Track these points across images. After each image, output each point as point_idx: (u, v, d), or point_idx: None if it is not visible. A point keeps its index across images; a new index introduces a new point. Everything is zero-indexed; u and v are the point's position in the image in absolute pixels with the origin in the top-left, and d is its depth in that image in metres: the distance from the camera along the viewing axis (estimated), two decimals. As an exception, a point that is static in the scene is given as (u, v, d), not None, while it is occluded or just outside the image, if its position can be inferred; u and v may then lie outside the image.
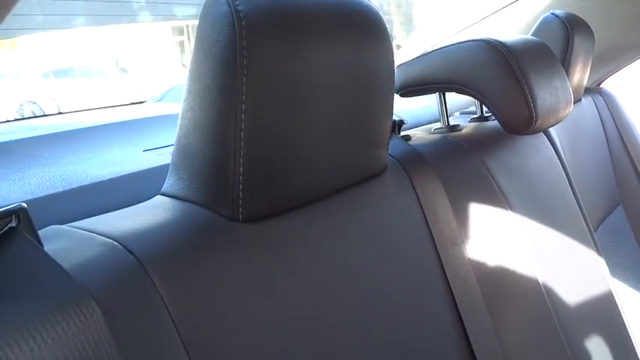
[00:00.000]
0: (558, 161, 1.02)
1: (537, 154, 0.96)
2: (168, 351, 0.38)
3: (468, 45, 0.79)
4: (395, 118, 0.75)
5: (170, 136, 0.75)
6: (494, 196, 0.78)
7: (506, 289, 0.74)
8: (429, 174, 0.70)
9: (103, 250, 0.40)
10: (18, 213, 0.37)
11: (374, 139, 0.57)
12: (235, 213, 0.46)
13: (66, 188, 0.56)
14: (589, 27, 1.23)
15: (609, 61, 1.52)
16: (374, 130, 0.56)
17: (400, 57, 0.87)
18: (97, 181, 0.58)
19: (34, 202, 0.52)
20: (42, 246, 0.37)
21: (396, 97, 0.72)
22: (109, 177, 0.59)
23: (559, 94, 0.80)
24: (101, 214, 0.49)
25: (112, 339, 0.33)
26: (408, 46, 1.44)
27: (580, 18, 1.21)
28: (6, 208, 0.36)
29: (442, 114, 0.88)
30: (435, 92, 0.86)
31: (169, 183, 0.50)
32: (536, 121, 0.75)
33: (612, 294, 0.99)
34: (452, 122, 0.90)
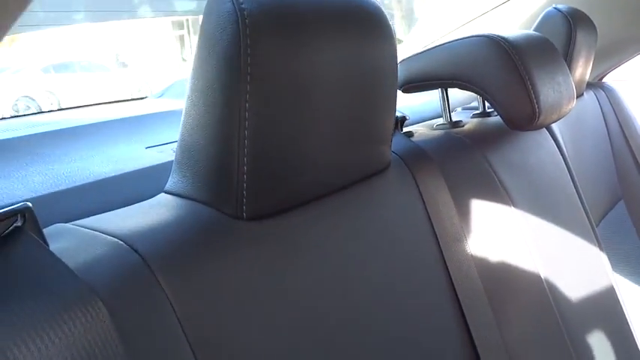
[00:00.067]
0: (560, 156, 1.02)
1: (539, 150, 0.96)
2: (174, 350, 0.38)
3: (471, 41, 0.78)
4: (397, 114, 0.75)
5: (172, 133, 0.75)
6: (497, 192, 0.78)
7: (508, 284, 0.74)
8: (432, 170, 0.70)
9: (108, 250, 0.40)
10: (23, 212, 0.37)
11: (377, 136, 0.57)
12: (239, 211, 0.46)
13: (69, 186, 0.56)
14: (591, 21, 1.23)
15: (611, 55, 1.51)
16: (377, 126, 0.56)
17: (402, 51, 0.87)
18: (100, 178, 0.58)
19: (38, 200, 0.52)
20: (47, 245, 0.38)
21: (399, 92, 0.72)
22: (112, 174, 0.59)
23: (562, 90, 0.80)
24: (105, 211, 0.49)
25: (118, 338, 0.33)
26: (409, 41, 1.44)
27: (582, 12, 1.20)
28: (11, 207, 0.36)
29: (444, 110, 0.88)
30: (437, 88, 0.86)
31: (173, 181, 0.50)
32: (538, 117, 0.75)
33: (614, 289, 0.99)
34: (454, 118, 0.89)
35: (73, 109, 1.02)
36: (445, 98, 0.88)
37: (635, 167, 1.47)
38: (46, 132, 0.72)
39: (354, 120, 0.52)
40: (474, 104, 1.08)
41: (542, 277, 0.80)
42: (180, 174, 0.49)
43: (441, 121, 0.90)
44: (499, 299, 0.70)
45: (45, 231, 0.39)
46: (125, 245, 0.40)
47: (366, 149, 0.56)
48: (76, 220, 0.47)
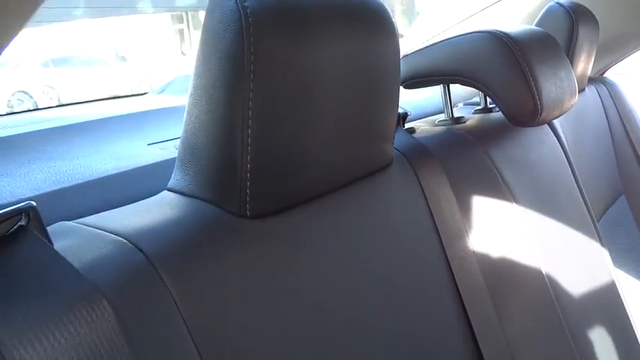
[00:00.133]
0: (562, 152, 1.02)
1: (541, 145, 0.96)
2: (179, 348, 0.38)
3: (473, 36, 0.78)
4: (399, 110, 0.74)
5: (174, 130, 0.76)
6: (498, 188, 0.78)
7: (509, 279, 0.75)
8: (434, 167, 0.70)
9: (113, 249, 0.40)
10: (28, 211, 0.37)
11: (380, 133, 0.57)
12: (243, 209, 0.46)
13: (72, 183, 0.56)
14: (594, 16, 1.22)
15: (613, 50, 1.51)
16: (380, 123, 0.56)
17: (403, 46, 0.86)
18: (102, 176, 0.58)
19: (41, 197, 0.52)
20: (52, 244, 0.38)
21: (400, 88, 0.71)
22: (115, 172, 0.59)
23: (564, 86, 0.80)
24: (108, 209, 0.49)
25: (123, 338, 0.33)
26: (410, 35, 1.43)
27: (585, 7, 1.20)
28: (16, 206, 0.36)
29: (446, 106, 0.88)
30: (439, 84, 0.86)
31: (176, 179, 0.50)
32: (541, 114, 0.75)
33: (615, 284, 0.99)
34: (456, 114, 0.89)
35: (74, 105, 1.02)
36: (447, 94, 0.88)
37: (636, 162, 1.47)
38: (47, 129, 0.72)
39: (357, 117, 0.52)
40: (476, 99, 1.08)
41: (544, 272, 0.80)
42: (183, 172, 0.49)
43: (442, 116, 0.90)
44: (500, 294, 0.71)
45: (49, 229, 0.39)
46: (129, 244, 0.40)
47: (368, 146, 0.56)
48: (79, 217, 0.47)
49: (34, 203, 0.37)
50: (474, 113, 0.96)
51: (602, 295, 0.94)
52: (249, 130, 0.44)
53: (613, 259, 1.03)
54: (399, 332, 0.56)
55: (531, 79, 0.74)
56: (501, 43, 0.75)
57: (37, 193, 0.53)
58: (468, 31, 0.79)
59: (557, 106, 0.78)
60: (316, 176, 0.50)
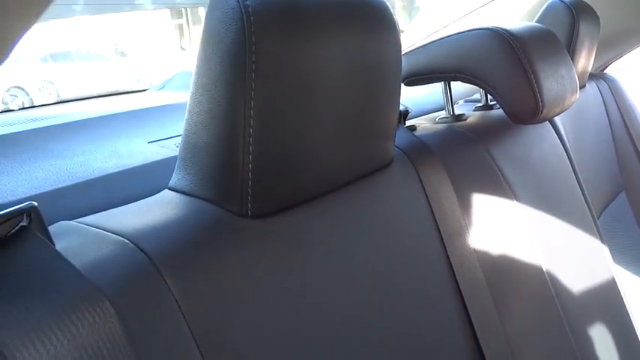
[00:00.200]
0: (562, 149, 1.02)
1: (542, 142, 0.96)
2: (181, 348, 0.38)
3: (474, 34, 0.78)
4: (400, 107, 0.74)
5: (174, 127, 0.75)
6: (499, 186, 0.78)
7: (510, 277, 0.75)
8: (435, 165, 0.70)
9: (114, 249, 0.40)
10: (29, 212, 0.37)
11: (381, 132, 0.57)
12: (244, 209, 0.46)
13: (73, 182, 0.56)
14: (595, 12, 1.22)
15: (614, 46, 1.51)
16: (381, 121, 0.56)
17: (403, 42, 0.86)
18: (103, 174, 0.58)
19: (42, 196, 0.52)
20: (53, 244, 0.38)
21: (401, 85, 0.71)
22: (116, 170, 0.59)
23: (565, 83, 0.80)
24: (109, 208, 0.49)
25: (126, 338, 0.33)
26: (410, 31, 1.43)
27: (586, 3, 1.20)
28: (17, 207, 0.36)
29: (447, 103, 0.88)
30: (440, 81, 0.85)
31: (177, 178, 0.50)
32: (542, 111, 0.75)
33: (615, 281, 0.99)
34: (456, 111, 0.89)
35: (73, 102, 1.02)
36: (448, 91, 0.87)
37: (636, 159, 1.47)
38: (47, 126, 0.71)
39: (358, 116, 0.52)
40: (476, 96, 1.08)
41: (544, 269, 0.80)
42: (185, 171, 0.49)
43: (443, 114, 0.89)
44: (501, 292, 0.71)
45: (50, 229, 0.39)
46: (131, 244, 0.40)
47: (370, 145, 0.56)
48: (80, 216, 0.47)
49: (35, 203, 0.37)
50: (474, 110, 0.96)
51: (602, 292, 0.94)
52: (251, 130, 0.43)
53: (613, 255, 1.03)
54: (399, 330, 0.56)
55: (532, 77, 0.74)
56: (503, 40, 0.75)
57: (37, 191, 0.53)
58: (469, 29, 0.79)
59: (558, 104, 0.78)
60: (317, 175, 0.50)
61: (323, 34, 0.46)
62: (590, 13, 1.20)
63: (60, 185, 0.55)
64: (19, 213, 0.36)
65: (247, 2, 0.42)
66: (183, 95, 0.93)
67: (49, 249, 0.36)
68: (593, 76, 1.46)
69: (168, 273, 0.40)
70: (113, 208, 0.49)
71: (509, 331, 0.69)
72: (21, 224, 0.37)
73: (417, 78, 0.84)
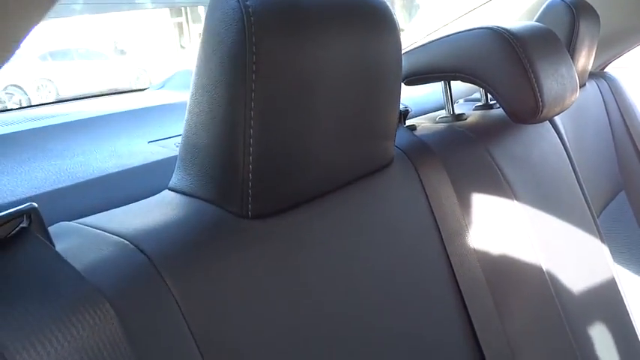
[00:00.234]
0: (562, 148, 1.02)
1: (542, 142, 0.96)
2: (181, 350, 0.38)
3: (474, 33, 0.78)
4: (400, 107, 0.74)
5: (174, 127, 0.75)
6: (499, 186, 0.78)
7: (510, 276, 0.75)
8: (435, 164, 0.70)
9: (114, 250, 0.40)
10: (29, 213, 0.37)
11: (381, 132, 0.57)
12: (245, 210, 0.46)
13: (72, 182, 0.55)
14: (595, 11, 1.22)
15: (614, 45, 1.51)
16: (381, 121, 0.56)
17: (403, 40, 0.86)
18: (103, 174, 0.58)
19: (42, 196, 0.52)
20: (53, 246, 0.37)
21: (401, 85, 0.71)
22: (116, 170, 0.59)
23: (565, 82, 0.79)
24: (109, 208, 0.49)
25: (126, 340, 0.33)
26: (410, 30, 1.43)
27: (586, 2, 1.20)
28: (17, 208, 0.36)
29: (447, 102, 0.88)
30: (440, 81, 0.85)
31: (177, 178, 0.50)
32: (542, 111, 0.75)
33: (615, 280, 0.99)
34: (456, 110, 0.89)
35: (73, 102, 1.02)
36: (448, 91, 0.87)
37: (636, 158, 1.47)
38: (47, 126, 0.71)
39: (358, 116, 0.52)
40: (476, 95, 1.08)
41: (544, 269, 0.80)
42: (185, 171, 0.49)
43: (443, 113, 0.89)
44: (501, 291, 0.71)
45: (50, 229, 0.39)
46: (131, 245, 0.40)
47: (370, 145, 0.56)
48: (80, 217, 0.47)
49: (35, 205, 0.37)
50: (474, 109, 0.96)
51: (602, 291, 0.94)
52: (251, 131, 0.43)
53: (613, 254, 1.03)
54: (399, 330, 0.56)
55: (532, 76, 0.74)
56: (503, 39, 0.75)
57: (37, 192, 0.53)
58: (469, 28, 0.79)
59: (558, 103, 0.78)
60: (318, 176, 0.50)
61: (323, 35, 0.46)
62: (590, 12, 1.20)
63: (60, 185, 0.55)
64: (19, 214, 0.36)
65: (248, 3, 0.41)
66: (183, 94, 0.93)
67: (49, 250, 0.36)
68: (593, 75, 1.46)
69: (168, 274, 0.40)
70: (113, 208, 0.49)
71: (509, 330, 0.69)
72: (21, 225, 0.36)
73: (417, 77, 0.84)
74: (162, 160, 0.63)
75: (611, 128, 1.47)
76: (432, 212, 0.66)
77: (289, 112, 0.45)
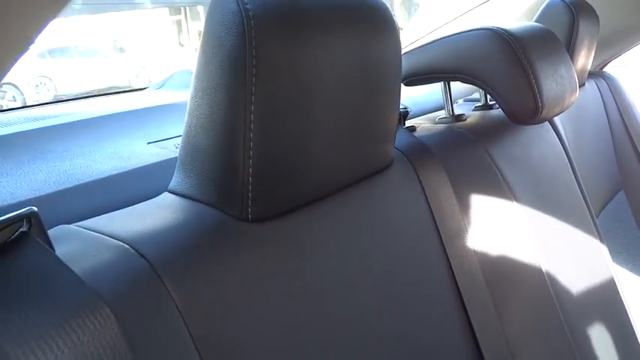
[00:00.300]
0: (562, 148, 1.02)
1: (541, 142, 0.96)
2: (182, 354, 0.38)
3: (474, 34, 0.78)
4: (400, 107, 0.74)
5: (174, 128, 0.75)
6: (499, 187, 0.78)
7: (509, 277, 0.75)
8: (435, 165, 0.70)
9: (115, 254, 0.40)
10: (29, 217, 0.37)
11: (381, 134, 0.57)
12: (245, 213, 0.46)
13: (72, 184, 0.55)
14: (594, 10, 1.22)
15: (613, 44, 1.51)
16: (381, 124, 0.56)
17: (402, 39, 0.85)
18: (103, 176, 0.58)
19: (41, 199, 0.52)
20: (53, 250, 0.37)
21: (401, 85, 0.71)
22: (115, 172, 0.59)
23: (565, 83, 0.79)
24: (109, 210, 0.49)
25: (126, 345, 0.33)
26: (409, 29, 1.42)
27: (585, 2, 1.19)
28: (17, 213, 0.36)
29: (447, 103, 0.88)
30: (440, 81, 0.85)
31: (177, 181, 0.50)
32: (541, 112, 0.75)
33: (614, 281, 0.99)
34: (456, 110, 0.89)
35: (71, 102, 1.01)
36: (447, 91, 0.87)
37: (635, 158, 1.47)
38: (46, 127, 0.71)
39: (358, 118, 0.52)
40: (476, 96, 1.08)
41: (543, 270, 0.80)
42: (185, 174, 0.48)
43: (443, 113, 0.89)
44: (500, 292, 0.71)
45: (50, 232, 0.39)
46: (131, 250, 0.40)
47: (370, 148, 0.56)
48: (79, 219, 0.47)
49: (35, 209, 0.37)
50: (474, 110, 0.96)
51: (601, 291, 0.95)
52: (251, 134, 0.43)
53: (611, 254, 1.04)
54: (399, 331, 0.56)
55: (532, 77, 0.74)
56: (502, 40, 0.75)
57: (37, 194, 0.53)
58: (469, 29, 0.79)
59: (557, 104, 0.78)
60: (318, 179, 0.50)
61: (323, 38, 0.46)
62: (590, 12, 1.20)
63: (60, 188, 0.55)
64: (19, 219, 0.36)
65: (248, 6, 0.41)
66: (183, 94, 0.93)
67: (49, 255, 0.36)
68: (592, 75, 1.46)
69: (168, 278, 0.40)
70: (113, 210, 0.49)
71: (508, 331, 0.70)
72: (21, 230, 0.36)
73: (417, 78, 0.84)
74: (161, 161, 0.63)
75: (610, 128, 1.47)
76: (432, 213, 0.66)
77: (289, 115, 0.45)
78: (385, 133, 0.57)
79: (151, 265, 0.39)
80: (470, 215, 0.72)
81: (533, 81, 0.74)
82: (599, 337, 0.88)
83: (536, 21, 1.19)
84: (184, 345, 0.39)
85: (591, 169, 1.25)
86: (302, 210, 0.50)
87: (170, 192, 0.51)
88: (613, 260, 1.04)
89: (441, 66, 0.81)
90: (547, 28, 0.84)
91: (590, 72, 1.36)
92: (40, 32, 0.26)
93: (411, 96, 1.05)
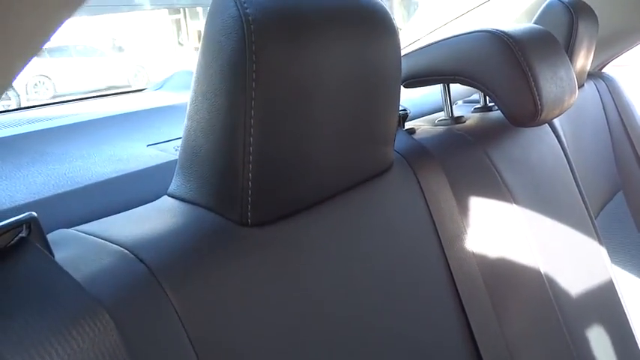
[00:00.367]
0: (561, 150, 1.02)
1: (540, 144, 0.96)
2: (181, 359, 0.38)
3: (473, 36, 0.78)
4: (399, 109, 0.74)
5: (173, 130, 0.75)
6: (498, 189, 0.79)
7: (508, 280, 0.75)
8: (434, 168, 0.70)
9: (114, 259, 0.40)
10: (29, 222, 0.37)
11: (381, 137, 0.57)
12: (244, 217, 0.46)
13: (72, 188, 0.55)
14: (593, 12, 1.22)
15: (612, 45, 1.51)
16: (381, 127, 0.56)
17: (402, 39, 0.85)
18: (102, 179, 0.58)
19: (41, 202, 0.52)
20: (53, 255, 0.37)
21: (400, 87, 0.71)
22: (115, 175, 0.59)
23: (564, 85, 0.79)
24: (108, 214, 0.49)
25: (126, 352, 0.33)
26: (408, 29, 1.42)
27: (584, 2, 1.19)
28: (17, 218, 0.36)
29: (446, 105, 0.88)
30: (439, 83, 0.85)
31: (176, 184, 0.50)
32: (541, 114, 0.75)
33: (613, 282, 0.99)
34: (455, 112, 0.89)
35: (70, 103, 1.01)
36: (447, 93, 0.87)
37: (634, 158, 1.47)
38: (45, 129, 0.71)
39: (358, 122, 0.52)
40: (475, 97, 1.08)
41: (542, 272, 0.80)
42: (184, 178, 0.48)
43: (442, 115, 0.89)
44: (499, 294, 0.71)
45: (49, 237, 0.39)
46: (131, 255, 0.40)
47: (369, 151, 0.56)
48: (79, 222, 0.47)
49: (34, 214, 0.37)
50: (473, 112, 0.96)
51: (600, 293, 0.95)
52: (251, 139, 0.43)
53: (610, 255, 1.04)
54: (398, 333, 0.56)
55: (532, 80, 0.74)
56: (501, 42, 0.75)
57: (37, 197, 0.53)
58: (468, 31, 0.79)
59: (557, 106, 0.78)
60: (317, 182, 0.50)
61: (323, 42, 0.46)
62: (589, 13, 1.20)
63: (59, 191, 0.54)
64: (18, 224, 0.36)
65: (248, 11, 0.41)
66: (182, 95, 0.93)
67: (49, 260, 0.36)
68: (591, 75, 1.46)
69: (167, 283, 0.40)
70: (113, 214, 0.49)
71: (507, 333, 0.70)
72: (20, 235, 0.36)
73: (416, 80, 0.84)
74: (161, 164, 0.63)
75: (609, 128, 1.47)
76: (431, 216, 0.66)
77: (289, 119, 0.45)
78: (385, 136, 0.57)
79: (150, 270, 0.39)
80: (469, 217, 0.72)
81: (533, 83, 0.74)
82: (598, 338, 0.88)
83: (535, 22, 1.19)
84: (184, 350, 0.39)
85: (590, 170, 1.25)
86: (302, 213, 0.50)
87: (169, 195, 0.51)
88: (612, 261, 1.04)
89: (440, 68, 0.81)
90: (546, 30, 0.84)
91: (589, 73, 1.36)
92: (55, 31, 0.26)
93: (409, 97, 1.05)
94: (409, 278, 0.60)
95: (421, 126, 0.84)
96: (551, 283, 0.81)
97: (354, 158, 0.53)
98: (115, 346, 0.33)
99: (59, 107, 0.96)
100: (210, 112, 0.44)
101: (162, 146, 0.69)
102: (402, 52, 0.80)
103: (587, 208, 1.01)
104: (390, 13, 0.55)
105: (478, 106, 0.97)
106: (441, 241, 0.66)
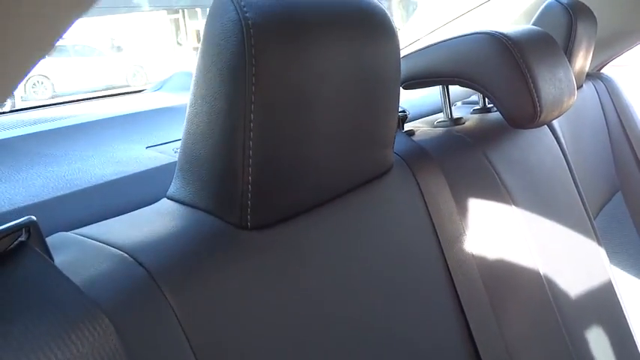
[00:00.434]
0: (560, 151, 1.02)
1: (539, 145, 0.96)
2: None
3: (473, 38, 0.78)
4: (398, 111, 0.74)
5: (172, 131, 0.75)
6: (497, 190, 0.79)
7: (508, 281, 0.75)
8: (433, 169, 0.70)
9: (113, 263, 0.40)
10: (28, 227, 0.37)
11: (380, 140, 0.57)
12: (244, 221, 0.46)
13: (71, 190, 0.55)
14: (592, 13, 1.22)
15: (611, 46, 1.51)
16: (380, 129, 0.56)
17: (401, 39, 0.85)
18: (101, 181, 0.57)
19: (40, 205, 0.52)
20: (52, 259, 0.37)
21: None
22: (114, 177, 0.59)
23: (563, 86, 0.80)
24: (108, 216, 0.49)
25: (126, 356, 0.33)
26: (407, 30, 1.42)
27: (583, 4, 1.20)
28: (16, 222, 0.36)
29: (445, 106, 0.88)
30: (438, 85, 0.85)
31: (176, 187, 0.50)
32: (540, 115, 0.75)
33: (612, 283, 1.00)
34: (454, 113, 0.89)
35: (69, 104, 1.01)
36: (446, 95, 0.87)
37: (633, 159, 1.48)
38: (45, 130, 0.71)
39: (358, 124, 0.52)
40: (474, 98, 1.08)
41: (542, 273, 0.80)
42: (184, 181, 0.48)
43: (441, 117, 0.89)
44: (499, 296, 0.71)
45: (48, 240, 0.39)
46: (130, 258, 0.40)
47: (369, 153, 0.56)
48: (78, 225, 0.47)
49: (34, 218, 0.37)
50: (472, 113, 0.96)
51: (599, 294, 0.95)
52: (251, 142, 0.43)
53: (609, 255, 1.04)
54: (398, 335, 0.56)
55: (530, 81, 0.74)
56: (500, 44, 0.75)
57: (36, 200, 0.53)
58: (467, 32, 0.79)
59: (556, 107, 0.78)
60: (317, 186, 0.50)
61: (323, 45, 0.46)
62: (588, 14, 1.20)
63: (58, 193, 0.54)
64: (17, 228, 0.36)
65: (247, 14, 0.41)
66: (181, 97, 0.93)
67: (48, 265, 0.35)
68: (589, 76, 1.46)
69: (167, 287, 0.40)
70: (112, 216, 0.49)
71: (506, 335, 0.70)
72: (20, 239, 0.36)
73: (415, 82, 0.84)
74: (160, 166, 0.63)
75: (608, 129, 1.47)
76: (430, 217, 0.66)
77: (288, 122, 0.45)
78: (384, 138, 0.57)
79: (150, 273, 0.39)
80: (468, 219, 0.72)
81: (532, 85, 0.74)
82: (597, 339, 0.88)
83: (534, 23, 1.19)
84: (183, 354, 0.39)
85: (589, 171, 1.25)
86: (301, 216, 0.51)
87: (169, 198, 0.51)
88: (610, 262, 1.04)
89: (439, 70, 0.81)
90: (545, 31, 0.84)
91: (587, 73, 1.36)
92: (65, 31, 0.26)
93: (408, 99, 1.05)
94: (409, 280, 0.60)
95: (420, 127, 0.84)
96: (551, 284, 0.81)
97: (353, 161, 0.53)
98: (114, 351, 0.33)
99: (58, 109, 0.96)
100: (209, 115, 0.44)
101: (161, 148, 0.69)
102: (402, 53, 0.81)
103: (586, 209, 1.02)
104: (389, 14, 0.55)
105: (477, 107, 0.97)
106: (440, 242, 0.66)
